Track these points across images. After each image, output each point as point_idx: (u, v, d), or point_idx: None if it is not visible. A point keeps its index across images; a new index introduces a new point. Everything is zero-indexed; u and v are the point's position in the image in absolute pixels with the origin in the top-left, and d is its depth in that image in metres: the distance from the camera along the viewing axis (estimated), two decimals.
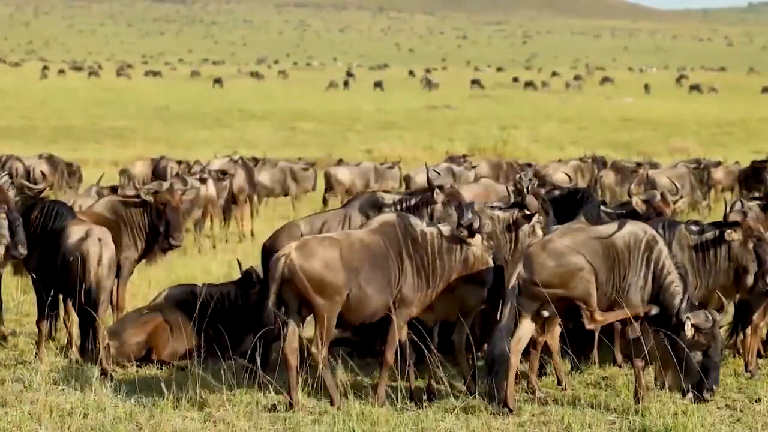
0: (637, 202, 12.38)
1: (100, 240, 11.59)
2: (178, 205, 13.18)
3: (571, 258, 9.86)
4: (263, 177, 26.05)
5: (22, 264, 12.52)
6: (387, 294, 9.98)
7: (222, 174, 22.49)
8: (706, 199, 26.72)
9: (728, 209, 11.00)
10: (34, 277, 11.93)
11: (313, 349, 9.81)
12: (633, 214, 12.10)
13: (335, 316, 9.83)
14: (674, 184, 14.05)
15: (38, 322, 12.01)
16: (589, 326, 9.98)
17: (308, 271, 9.72)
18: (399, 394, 10.05)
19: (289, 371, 9.81)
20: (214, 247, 21.71)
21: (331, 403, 9.85)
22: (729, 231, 10.69)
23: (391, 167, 27.61)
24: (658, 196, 12.49)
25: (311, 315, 9.89)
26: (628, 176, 26.58)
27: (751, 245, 10.70)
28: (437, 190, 12.59)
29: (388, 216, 10.53)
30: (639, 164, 29.54)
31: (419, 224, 10.26)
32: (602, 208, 12.61)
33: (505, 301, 9.90)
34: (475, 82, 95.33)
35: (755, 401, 10.28)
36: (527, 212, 11.62)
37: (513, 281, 9.87)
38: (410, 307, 10.09)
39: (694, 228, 10.82)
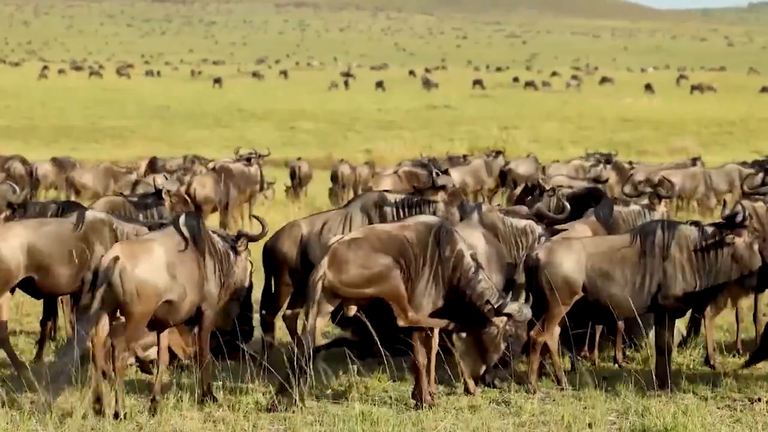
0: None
1: None
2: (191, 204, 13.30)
3: None
4: (454, 175, 26.51)
5: None
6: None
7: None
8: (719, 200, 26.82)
9: (725, 210, 11.00)
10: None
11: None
12: None
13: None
14: (669, 182, 14.09)
15: (42, 322, 12.05)
16: None
17: (345, 282, 9.80)
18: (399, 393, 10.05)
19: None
20: None
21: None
22: (731, 234, 10.65)
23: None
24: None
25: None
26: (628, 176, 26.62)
27: (756, 246, 10.70)
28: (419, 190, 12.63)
29: (430, 218, 10.53)
30: (631, 163, 29.66)
31: (458, 240, 10.13)
32: (615, 207, 12.63)
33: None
34: (477, 82, 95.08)
35: (755, 401, 10.28)
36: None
37: None
38: (419, 310, 10.03)
39: (693, 228, 10.82)
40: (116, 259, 9.47)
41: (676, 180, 26.24)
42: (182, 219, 10.03)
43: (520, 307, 10.04)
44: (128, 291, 9.46)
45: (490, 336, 10.03)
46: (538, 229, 11.75)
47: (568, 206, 12.61)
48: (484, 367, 10.19)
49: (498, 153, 29.43)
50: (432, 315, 10.09)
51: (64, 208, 12.32)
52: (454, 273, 10.02)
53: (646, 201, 12.94)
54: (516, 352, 10.27)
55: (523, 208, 12.79)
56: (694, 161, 30.62)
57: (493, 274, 10.63)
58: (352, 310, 10.02)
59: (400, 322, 9.89)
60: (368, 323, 10.15)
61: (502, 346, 10.08)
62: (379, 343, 11.34)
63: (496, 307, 9.94)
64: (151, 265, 9.57)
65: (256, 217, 11.42)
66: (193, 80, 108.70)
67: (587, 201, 13.56)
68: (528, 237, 11.72)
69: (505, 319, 10.00)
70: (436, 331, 10.32)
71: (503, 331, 10.04)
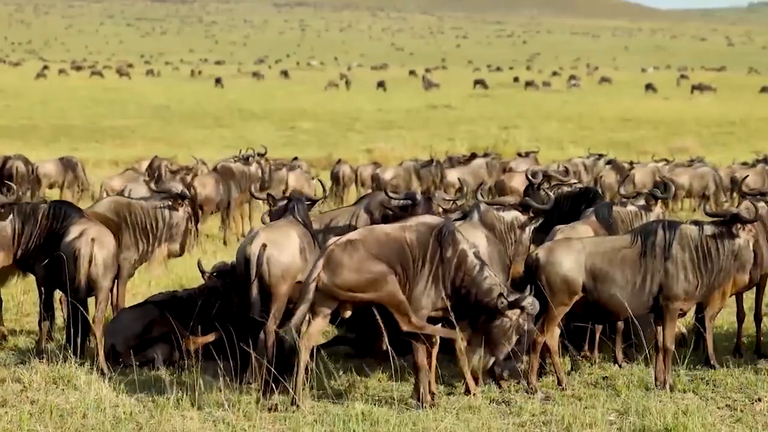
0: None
1: (93, 240, 11.59)
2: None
3: None
4: (454, 174, 26.71)
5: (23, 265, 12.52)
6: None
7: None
8: (727, 200, 26.90)
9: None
10: (40, 277, 12.05)
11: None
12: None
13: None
14: (666, 182, 14.09)
15: (40, 322, 12.05)
16: None
17: (339, 285, 9.73)
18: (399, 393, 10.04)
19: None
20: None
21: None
22: (739, 229, 10.65)
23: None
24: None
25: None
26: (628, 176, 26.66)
27: (751, 244, 10.75)
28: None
29: (433, 218, 10.47)
30: (632, 163, 29.72)
31: (461, 240, 10.08)
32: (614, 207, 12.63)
33: None
34: (478, 82, 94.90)
35: (755, 401, 10.28)
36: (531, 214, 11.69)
37: None
38: (419, 310, 10.01)
39: (695, 227, 10.82)
40: (264, 246, 10.61)
41: (684, 180, 26.34)
42: (296, 207, 11.24)
43: (532, 300, 10.09)
44: (274, 275, 10.65)
45: (502, 328, 9.99)
46: (523, 218, 11.81)
47: (552, 195, 12.64)
48: (492, 360, 10.16)
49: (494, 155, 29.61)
50: (433, 315, 10.07)
51: (55, 208, 12.23)
52: (457, 273, 9.98)
53: (642, 201, 12.94)
54: (524, 349, 10.26)
55: (509, 198, 12.84)
56: (692, 162, 30.69)
57: (496, 274, 10.61)
58: (348, 312, 9.95)
59: (403, 327, 9.83)
60: (369, 324, 10.13)
61: (514, 338, 10.06)
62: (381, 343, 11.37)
63: (511, 300, 9.94)
64: (291, 250, 10.78)
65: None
66: (194, 80, 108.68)
67: (583, 201, 13.57)
68: (515, 230, 11.76)
69: (518, 311, 10.01)
70: None
71: (516, 324, 10.03)
